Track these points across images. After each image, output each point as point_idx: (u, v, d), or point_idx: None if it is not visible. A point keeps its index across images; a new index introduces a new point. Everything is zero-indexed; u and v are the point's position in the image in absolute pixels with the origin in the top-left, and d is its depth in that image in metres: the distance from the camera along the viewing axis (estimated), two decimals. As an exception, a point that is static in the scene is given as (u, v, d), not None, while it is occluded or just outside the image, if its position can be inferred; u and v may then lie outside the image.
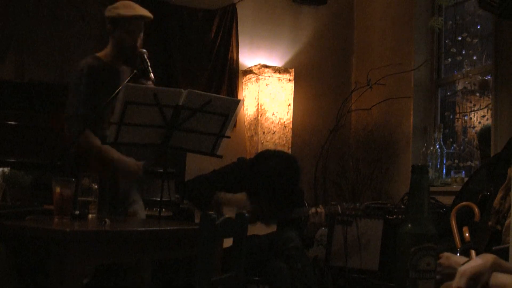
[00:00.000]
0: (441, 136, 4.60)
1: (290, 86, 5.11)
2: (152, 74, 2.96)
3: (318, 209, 3.47)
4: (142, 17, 3.19)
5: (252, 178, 3.49)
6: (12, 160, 3.69)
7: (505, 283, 1.14)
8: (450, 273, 1.22)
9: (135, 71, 3.01)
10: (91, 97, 3.10)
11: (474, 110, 4.45)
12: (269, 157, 3.52)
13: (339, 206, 3.53)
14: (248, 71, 5.14)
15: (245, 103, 5.11)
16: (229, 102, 2.92)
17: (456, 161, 4.54)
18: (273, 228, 3.50)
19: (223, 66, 5.10)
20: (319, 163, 5.27)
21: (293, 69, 5.19)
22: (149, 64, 3.01)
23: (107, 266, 2.91)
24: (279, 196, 3.46)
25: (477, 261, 1.18)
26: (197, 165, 4.29)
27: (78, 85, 3.12)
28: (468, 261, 1.23)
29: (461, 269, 1.17)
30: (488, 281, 1.15)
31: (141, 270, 2.98)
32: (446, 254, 1.27)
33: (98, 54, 3.24)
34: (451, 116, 4.76)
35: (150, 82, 3.04)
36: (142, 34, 3.21)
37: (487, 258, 1.18)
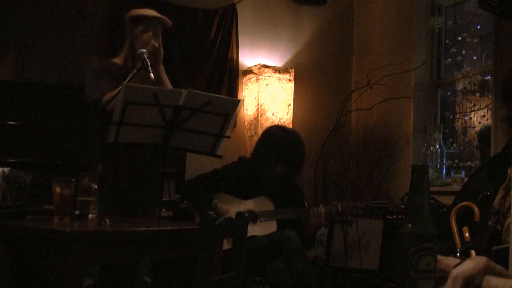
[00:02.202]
0: (441, 136, 4.59)
1: (290, 86, 5.11)
2: (152, 74, 2.96)
3: (318, 210, 3.47)
4: (162, 20, 3.26)
5: (257, 148, 3.68)
6: (12, 160, 3.69)
7: (497, 286, 1.13)
8: (442, 277, 1.21)
9: (135, 71, 3.01)
10: (105, 87, 3.09)
11: (474, 110, 4.45)
12: (271, 127, 3.96)
13: (339, 204, 3.54)
14: (248, 71, 5.14)
15: (245, 103, 5.11)
16: (229, 102, 2.92)
17: (456, 161, 4.54)
18: (273, 228, 3.51)
19: (223, 66, 5.10)
20: (319, 163, 5.26)
21: (293, 69, 5.19)
22: (149, 64, 3.00)
23: (109, 267, 2.91)
24: (284, 155, 3.54)
25: (469, 264, 1.17)
26: (197, 165, 4.29)
27: (93, 74, 3.13)
28: (459, 263, 1.22)
29: (453, 273, 1.16)
30: (480, 284, 1.15)
31: (141, 270, 2.98)
32: (438, 257, 1.27)
33: (112, 60, 3.27)
34: (451, 116, 4.76)
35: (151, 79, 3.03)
36: (162, 50, 3.23)
37: (479, 261, 1.17)
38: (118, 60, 3.27)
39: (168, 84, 3.22)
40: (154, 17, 3.23)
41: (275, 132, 3.72)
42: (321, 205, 3.53)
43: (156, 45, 3.15)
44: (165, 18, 3.28)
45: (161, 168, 3.22)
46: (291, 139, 3.63)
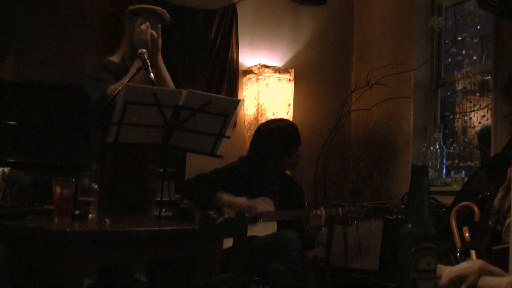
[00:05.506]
0: (441, 136, 4.60)
1: (290, 86, 5.10)
2: (152, 74, 2.96)
3: (319, 212, 3.47)
4: (160, 13, 3.28)
5: (251, 144, 3.71)
6: (12, 160, 3.69)
7: (493, 285, 1.15)
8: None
9: (135, 71, 3.01)
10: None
11: (474, 110, 4.45)
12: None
13: (340, 209, 3.53)
14: (248, 71, 5.14)
15: (245, 103, 5.11)
16: (229, 102, 2.92)
17: (456, 161, 4.54)
18: (273, 229, 3.51)
19: (223, 66, 5.10)
20: (319, 163, 5.26)
21: (293, 69, 5.18)
22: (149, 64, 3.00)
23: (107, 267, 2.91)
24: (278, 137, 3.57)
25: (464, 264, 1.20)
26: (197, 165, 4.29)
27: (94, 72, 3.15)
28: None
29: (447, 270, 1.18)
30: (476, 284, 1.16)
31: (136, 270, 2.99)
32: (438, 265, 1.29)
33: (109, 58, 3.28)
34: (451, 116, 4.76)
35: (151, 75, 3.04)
36: (160, 40, 3.25)
37: (475, 263, 1.20)
38: (115, 59, 3.27)
39: (167, 75, 3.26)
40: (152, 10, 3.26)
41: (263, 124, 3.85)
42: (321, 208, 3.52)
43: (154, 33, 3.17)
44: (163, 12, 3.30)
45: (161, 168, 3.22)
46: (280, 121, 3.76)
